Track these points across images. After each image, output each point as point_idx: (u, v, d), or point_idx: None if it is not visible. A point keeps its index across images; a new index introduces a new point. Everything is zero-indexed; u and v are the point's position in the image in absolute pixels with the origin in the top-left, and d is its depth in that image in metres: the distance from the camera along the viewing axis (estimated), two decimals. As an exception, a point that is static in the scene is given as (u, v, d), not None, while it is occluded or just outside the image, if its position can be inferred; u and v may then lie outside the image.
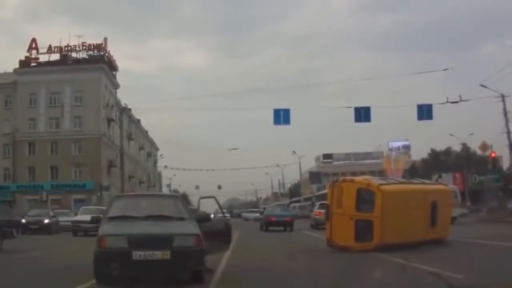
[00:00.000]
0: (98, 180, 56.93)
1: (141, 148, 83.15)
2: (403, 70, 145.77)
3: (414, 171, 68.76)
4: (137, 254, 7.30)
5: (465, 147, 61.20)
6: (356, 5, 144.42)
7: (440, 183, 19.61)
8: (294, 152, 74.78)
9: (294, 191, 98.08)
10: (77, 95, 59.52)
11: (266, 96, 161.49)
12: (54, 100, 59.60)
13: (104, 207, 23.76)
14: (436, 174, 53.09)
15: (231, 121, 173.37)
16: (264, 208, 44.99)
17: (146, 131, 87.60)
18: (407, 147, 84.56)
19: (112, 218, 8.46)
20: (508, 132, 38.46)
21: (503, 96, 36.85)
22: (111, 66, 64.47)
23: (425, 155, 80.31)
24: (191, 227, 8.07)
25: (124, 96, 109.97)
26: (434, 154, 79.19)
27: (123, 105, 67.08)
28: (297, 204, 52.42)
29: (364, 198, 13.12)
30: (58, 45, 60.13)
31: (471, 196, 52.88)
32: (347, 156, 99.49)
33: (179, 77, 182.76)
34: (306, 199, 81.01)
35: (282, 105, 30.01)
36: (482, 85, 33.93)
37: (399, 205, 13.28)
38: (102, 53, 61.45)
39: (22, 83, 58.71)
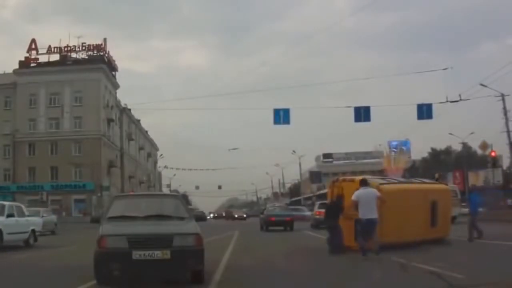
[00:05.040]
0: (98, 181, 56.97)
1: (141, 148, 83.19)
2: (403, 69, 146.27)
3: (414, 170, 68.70)
4: (137, 254, 7.28)
5: (465, 146, 61.17)
6: (356, 5, 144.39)
7: (440, 182, 19.57)
8: (294, 152, 75.05)
9: (294, 191, 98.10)
10: (77, 95, 59.59)
11: (266, 96, 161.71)
12: (54, 100, 59.67)
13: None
14: (437, 173, 52.95)
15: (231, 121, 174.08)
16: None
17: (146, 131, 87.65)
18: (407, 146, 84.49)
19: (111, 218, 8.45)
20: (508, 131, 38.48)
21: (503, 95, 36.89)
22: (111, 66, 64.51)
23: (425, 154, 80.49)
24: (191, 227, 8.06)
25: (124, 96, 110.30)
26: (434, 153, 79.24)
27: (123, 105, 67.15)
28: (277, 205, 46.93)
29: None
30: (57, 45, 60.36)
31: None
32: (347, 155, 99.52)
33: (179, 77, 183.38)
34: (306, 199, 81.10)
35: (282, 105, 29.97)
36: (482, 84, 33.93)
37: (399, 204, 13.27)
38: (101, 54, 61.52)
39: (21, 83, 58.78)
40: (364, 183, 12.18)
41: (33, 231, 17.68)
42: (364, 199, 11.69)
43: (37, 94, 59.27)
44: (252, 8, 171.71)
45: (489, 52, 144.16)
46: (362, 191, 11.90)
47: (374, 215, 11.57)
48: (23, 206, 18.68)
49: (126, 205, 9.22)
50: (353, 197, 11.91)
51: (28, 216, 18.19)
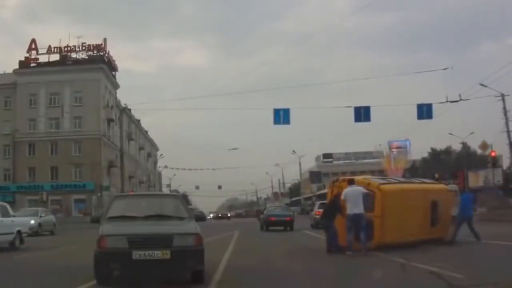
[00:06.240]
0: (98, 180, 56.96)
1: (141, 148, 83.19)
2: (403, 69, 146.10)
3: (414, 170, 68.68)
4: (137, 254, 7.28)
5: (465, 146, 61.15)
6: (356, 5, 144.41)
7: (440, 182, 19.55)
8: (294, 152, 75.14)
9: (294, 191, 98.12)
10: (77, 95, 59.59)
11: (266, 96, 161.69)
12: (54, 100, 59.67)
13: None
14: (436, 173, 52.89)
15: (231, 121, 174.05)
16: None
17: (146, 131, 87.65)
18: (407, 147, 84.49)
19: (111, 218, 8.45)
20: (508, 131, 38.50)
21: (502, 95, 36.91)
22: (111, 66, 64.51)
23: (425, 154, 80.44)
24: (191, 227, 8.06)
25: (124, 96, 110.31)
26: (434, 153, 79.15)
27: (123, 105, 67.12)
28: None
29: (364, 197, 13.10)
30: (57, 45, 60.34)
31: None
32: (347, 155, 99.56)
33: (179, 77, 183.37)
34: (306, 199, 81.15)
35: (282, 105, 29.95)
36: (481, 84, 33.95)
37: (399, 204, 13.27)
38: (101, 54, 61.50)
39: (21, 83, 58.78)
40: (351, 182, 13.29)
41: (18, 232, 16.40)
42: (351, 196, 12.65)
43: (37, 94, 59.26)
44: (252, 8, 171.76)
45: (489, 52, 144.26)
46: (349, 189, 12.93)
47: (360, 210, 12.48)
48: (7, 206, 17.00)
49: (126, 205, 9.21)
50: (342, 196, 12.90)
51: (14, 216, 17.01)
